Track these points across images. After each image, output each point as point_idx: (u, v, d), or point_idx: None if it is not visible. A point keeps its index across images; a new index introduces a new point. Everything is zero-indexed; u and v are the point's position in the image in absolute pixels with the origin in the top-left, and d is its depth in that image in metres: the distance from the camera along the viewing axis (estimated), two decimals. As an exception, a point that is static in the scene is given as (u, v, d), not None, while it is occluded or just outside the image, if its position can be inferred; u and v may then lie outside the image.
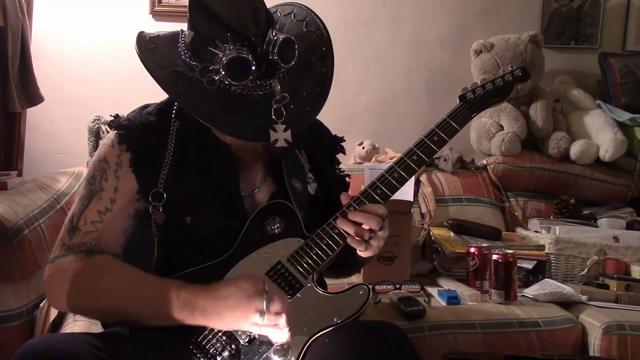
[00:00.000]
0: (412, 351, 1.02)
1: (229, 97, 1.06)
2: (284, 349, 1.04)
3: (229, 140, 1.15)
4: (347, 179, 1.39)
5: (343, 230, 1.11)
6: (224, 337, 1.05)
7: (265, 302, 0.98)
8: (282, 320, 1.00)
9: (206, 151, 1.15)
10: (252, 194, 1.19)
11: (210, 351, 1.05)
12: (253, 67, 1.03)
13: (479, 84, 1.24)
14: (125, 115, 1.19)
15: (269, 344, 1.05)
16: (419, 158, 1.16)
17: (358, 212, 1.11)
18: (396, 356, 0.99)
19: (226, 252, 1.11)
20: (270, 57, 1.06)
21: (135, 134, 1.13)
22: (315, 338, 1.06)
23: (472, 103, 1.21)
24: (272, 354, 1.04)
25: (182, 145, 1.14)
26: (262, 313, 0.98)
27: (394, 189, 1.15)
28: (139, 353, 0.99)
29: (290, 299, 1.08)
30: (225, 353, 1.04)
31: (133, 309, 1.02)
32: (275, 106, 1.04)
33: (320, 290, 1.11)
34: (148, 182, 1.11)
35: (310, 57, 1.14)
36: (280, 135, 1.04)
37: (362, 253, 1.15)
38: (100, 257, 1.07)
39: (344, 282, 1.57)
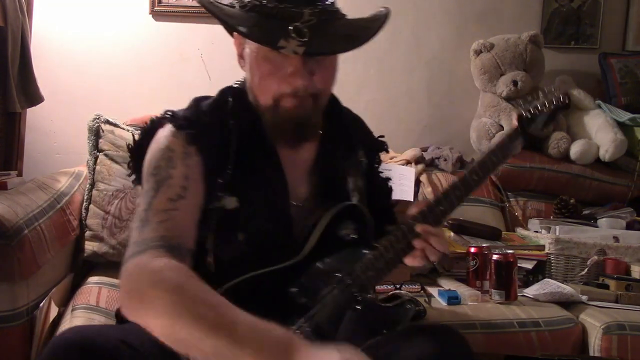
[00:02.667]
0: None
1: (259, 15, 1.01)
2: None
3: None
4: (389, 183, 1.35)
5: (415, 245, 1.08)
6: None
7: None
8: None
9: (257, 155, 1.09)
10: (301, 205, 1.12)
11: None
12: None
13: (538, 109, 1.23)
14: (180, 113, 1.11)
15: None
16: (478, 178, 1.18)
17: (432, 232, 1.09)
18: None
19: (291, 256, 1.05)
20: None
21: (202, 135, 1.05)
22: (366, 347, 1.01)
23: (525, 129, 1.22)
24: None
25: (237, 150, 1.07)
26: None
27: (453, 208, 1.16)
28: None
29: (355, 310, 1.04)
30: None
31: (210, 341, 0.80)
32: (297, 24, 0.98)
33: (379, 303, 1.10)
34: (213, 181, 1.04)
35: (356, 21, 1.10)
36: (291, 47, 0.97)
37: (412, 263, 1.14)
38: (176, 262, 0.89)
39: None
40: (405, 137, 2.52)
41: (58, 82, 2.31)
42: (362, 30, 1.08)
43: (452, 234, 2.02)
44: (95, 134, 1.97)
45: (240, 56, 1.11)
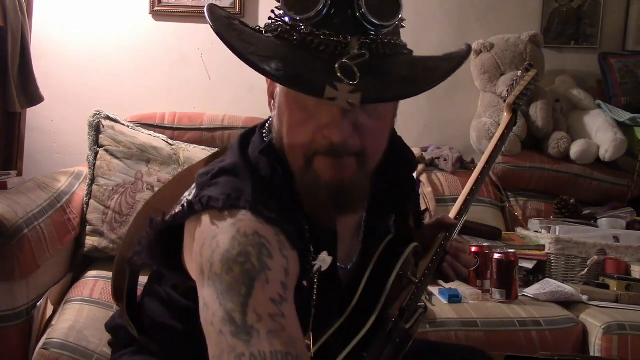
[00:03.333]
0: None
1: (289, 47, 0.77)
2: None
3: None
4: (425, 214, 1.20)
5: (447, 263, 1.07)
6: None
7: None
8: None
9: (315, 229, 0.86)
10: (347, 267, 0.95)
11: None
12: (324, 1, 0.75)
13: (520, 91, 1.24)
14: (244, 194, 0.79)
15: None
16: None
17: (460, 248, 1.11)
18: None
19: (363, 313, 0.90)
20: (356, 6, 0.76)
21: (287, 225, 0.78)
22: None
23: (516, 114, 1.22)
24: None
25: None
26: None
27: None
28: None
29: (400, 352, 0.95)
30: None
31: None
32: (343, 60, 0.72)
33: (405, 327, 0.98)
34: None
35: (421, 60, 0.85)
36: (342, 95, 0.70)
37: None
38: None
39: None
40: (405, 137, 2.49)
41: (58, 82, 2.31)
42: (428, 72, 0.81)
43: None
44: (96, 129, 1.98)
45: (271, 95, 0.87)
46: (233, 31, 0.77)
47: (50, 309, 1.55)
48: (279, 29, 0.78)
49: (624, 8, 2.68)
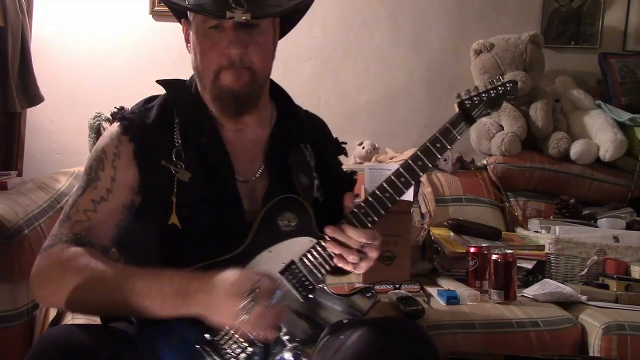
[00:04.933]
0: (433, 349, 1.00)
1: None
2: (296, 349, 1.03)
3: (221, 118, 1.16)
4: (354, 176, 1.36)
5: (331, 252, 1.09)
6: (241, 339, 1.02)
7: (248, 302, 0.95)
8: (264, 322, 0.99)
9: (204, 141, 1.15)
10: (248, 181, 1.17)
11: (227, 352, 1.02)
12: None
13: (476, 93, 1.20)
14: (129, 108, 1.19)
15: (283, 344, 1.04)
16: (423, 164, 1.13)
17: (343, 234, 1.08)
18: (417, 351, 0.97)
19: (236, 247, 1.08)
20: None
21: (140, 126, 1.13)
22: (327, 337, 1.05)
23: (469, 113, 1.18)
24: (285, 353, 1.03)
25: (183, 142, 1.14)
26: (243, 312, 0.95)
27: (393, 201, 1.12)
28: (145, 351, 0.99)
29: (303, 299, 1.09)
30: (242, 355, 1.02)
31: (120, 297, 0.98)
32: None
33: (331, 292, 1.12)
34: (151, 172, 1.10)
35: None
36: (238, 15, 1.04)
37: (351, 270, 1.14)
38: (84, 248, 1.04)
39: (343, 281, 1.59)
40: (405, 137, 2.52)
41: (58, 82, 2.31)
42: None
43: (452, 233, 2.02)
44: (96, 131, 1.98)
45: (187, 41, 1.18)
46: None
47: (53, 310, 1.55)
48: None
49: (624, 8, 2.68)
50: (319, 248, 1.10)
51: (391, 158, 2.31)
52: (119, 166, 1.10)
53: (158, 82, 1.22)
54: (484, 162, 2.40)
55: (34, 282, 1.05)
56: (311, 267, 1.09)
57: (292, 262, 1.09)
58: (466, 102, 1.18)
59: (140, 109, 1.17)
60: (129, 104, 2.44)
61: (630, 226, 2.11)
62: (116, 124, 1.15)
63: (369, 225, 1.10)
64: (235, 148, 1.17)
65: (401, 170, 1.12)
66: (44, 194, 1.72)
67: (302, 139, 1.25)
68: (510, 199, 2.36)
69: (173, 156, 1.11)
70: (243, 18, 1.03)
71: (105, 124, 1.99)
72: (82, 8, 2.37)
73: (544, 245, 1.96)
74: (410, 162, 1.12)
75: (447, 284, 1.80)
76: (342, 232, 1.08)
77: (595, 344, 1.58)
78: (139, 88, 2.37)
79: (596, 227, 2.12)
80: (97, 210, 1.07)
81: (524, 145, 2.39)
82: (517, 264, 1.76)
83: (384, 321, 1.08)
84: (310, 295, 1.09)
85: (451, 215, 2.15)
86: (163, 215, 1.09)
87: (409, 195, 2.04)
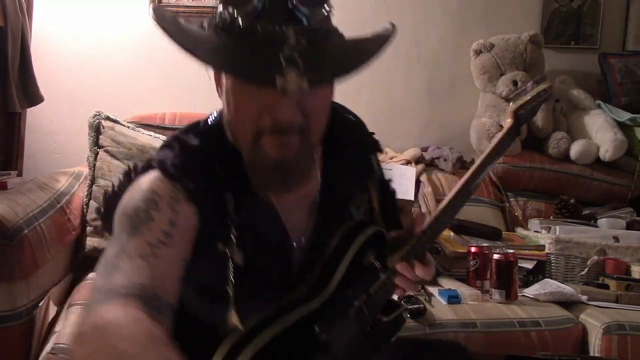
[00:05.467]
0: None
1: (231, 38, 0.83)
2: None
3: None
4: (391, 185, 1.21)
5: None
6: None
7: None
8: None
9: (256, 213, 0.92)
10: (301, 239, 0.98)
11: None
12: None
13: (524, 101, 1.15)
14: (166, 161, 0.90)
15: None
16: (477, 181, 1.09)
17: (414, 273, 1.01)
18: None
19: (312, 292, 0.93)
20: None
21: (193, 183, 0.88)
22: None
23: (521, 122, 1.14)
24: None
25: (233, 199, 0.91)
26: None
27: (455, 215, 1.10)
28: None
29: (363, 333, 0.98)
30: None
31: None
32: (286, 52, 0.78)
33: (382, 318, 1.04)
34: (212, 216, 0.88)
35: (354, 43, 0.91)
36: (292, 82, 0.76)
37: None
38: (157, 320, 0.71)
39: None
40: (405, 137, 2.52)
41: (58, 82, 2.31)
42: (359, 54, 0.88)
43: (452, 233, 2.02)
44: (96, 130, 1.98)
45: (218, 83, 0.92)
46: (179, 30, 0.85)
47: (53, 309, 1.55)
48: (221, 24, 0.83)
49: (624, 8, 2.68)
50: (387, 282, 1.00)
51: (391, 158, 2.31)
52: (180, 210, 0.84)
53: (193, 132, 0.95)
54: (484, 162, 2.40)
55: (81, 348, 0.66)
56: (377, 302, 0.99)
57: (364, 301, 0.97)
58: (520, 111, 1.13)
59: (186, 165, 0.89)
60: (128, 104, 2.46)
61: (630, 226, 2.12)
62: (159, 175, 0.88)
63: (432, 255, 1.06)
64: (287, 211, 0.96)
65: (454, 199, 1.08)
66: (44, 194, 1.71)
67: (362, 163, 1.08)
68: (510, 199, 2.36)
69: (230, 235, 0.89)
70: (299, 87, 0.76)
71: (105, 123, 1.99)
72: (82, 8, 2.36)
73: (544, 245, 1.96)
74: (462, 187, 1.09)
75: (447, 284, 1.80)
76: (413, 271, 1.00)
77: (595, 344, 1.59)
78: (139, 87, 2.40)
79: (596, 227, 2.12)
80: (158, 255, 0.78)
81: (524, 145, 2.39)
82: (518, 264, 1.76)
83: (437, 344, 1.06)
84: (368, 328, 0.99)
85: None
86: (210, 290, 0.91)
87: (409, 195, 2.04)
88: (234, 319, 0.86)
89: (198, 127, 0.96)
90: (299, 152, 0.86)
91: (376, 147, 1.15)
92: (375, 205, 1.06)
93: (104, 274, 0.75)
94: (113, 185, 0.94)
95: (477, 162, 1.11)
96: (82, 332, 0.68)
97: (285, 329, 0.87)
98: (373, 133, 1.17)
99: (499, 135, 1.12)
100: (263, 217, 0.93)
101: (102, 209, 0.94)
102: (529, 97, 1.15)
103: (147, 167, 0.90)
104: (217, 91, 0.93)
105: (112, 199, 0.91)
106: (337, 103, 1.04)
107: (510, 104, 1.16)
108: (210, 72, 0.92)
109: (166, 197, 0.85)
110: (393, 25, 0.94)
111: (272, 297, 0.92)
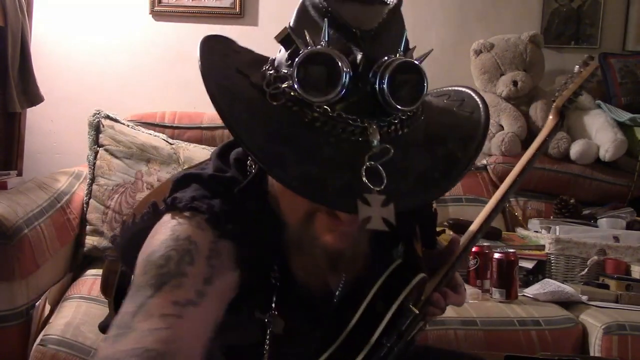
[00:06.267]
0: None
1: (301, 126, 0.67)
2: None
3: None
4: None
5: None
6: None
7: None
8: None
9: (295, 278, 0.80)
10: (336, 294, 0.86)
11: None
12: (344, 79, 0.65)
13: (572, 92, 1.09)
14: (188, 195, 0.76)
15: None
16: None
17: (445, 303, 0.93)
18: None
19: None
20: (375, 85, 0.66)
21: (231, 221, 0.74)
22: None
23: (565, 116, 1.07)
24: None
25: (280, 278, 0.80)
26: None
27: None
28: None
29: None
30: None
31: None
32: (368, 163, 0.63)
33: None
34: (255, 280, 0.76)
35: (447, 133, 0.75)
36: (376, 211, 0.62)
37: None
38: None
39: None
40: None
41: (58, 82, 2.31)
42: (449, 162, 0.72)
43: (451, 234, 2.02)
44: (96, 129, 1.98)
45: None
46: (232, 98, 0.69)
47: (48, 308, 1.55)
48: (287, 98, 0.67)
49: (624, 8, 2.68)
50: (419, 316, 0.89)
51: (391, 158, 2.31)
52: (219, 267, 0.71)
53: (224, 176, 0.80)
54: (484, 162, 2.40)
55: None
56: (407, 336, 0.89)
57: (396, 339, 0.87)
58: (567, 105, 1.07)
59: (233, 211, 0.75)
60: (128, 104, 2.45)
61: (630, 226, 2.11)
62: (197, 216, 0.74)
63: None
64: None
65: (492, 212, 1.00)
66: (43, 194, 1.71)
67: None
68: (510, 199, 2.36)
69: (272, 303, 0.78)
70: (384, 218, 0.61)
71: (104, 122, 1.99)
72: (82, 8, 2.36)
73: (544, 245, 1.95)
74: (502, 196, 1.01)
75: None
76: (444, 302, 0.92)
77: (596, 344, 1.58)
78: (139, 88, 2.40)
79: (596, 227, 2.12)
80: (184, 315, 0.64)
81: (524, 145, 2.38)
82: (518, 264, 1.76)
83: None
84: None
85: (451, 215, 2.15)
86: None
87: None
88: None
89: (231, 167, 0.80)
90: (356, 240, 0.74)
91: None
92: (418, 246, 0.92)
93: (114, 337, 0.61)
94: (134, 215, 0.80)
95: (518, 166, 1.05)
96: None
97: None
98: None
99: (542, 134, 1.05)
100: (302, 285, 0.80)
101: (119, 239, 0.82)
102: (576, 88, 1.09)
103: (186, 206, 0.74)
104: None
105: (133, 231, 0.79)
106: None
107: (556, 97, 1.07)
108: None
109: (205, 249, 0.71)
110: (487, 113, 0.77)
111: (310, 355, 0.82)
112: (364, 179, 0.62)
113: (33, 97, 2.08)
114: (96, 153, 1.96)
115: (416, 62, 0.70)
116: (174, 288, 0.65)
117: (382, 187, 0.62)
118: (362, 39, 0.66)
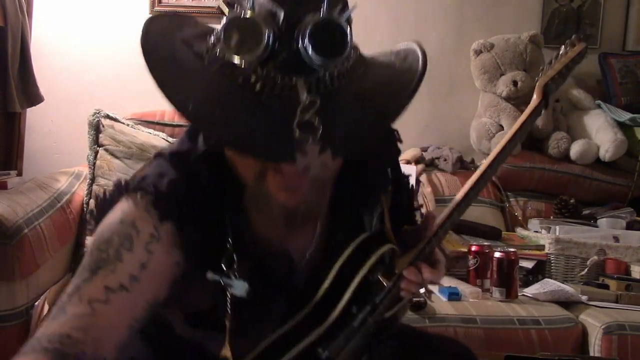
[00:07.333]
0: None
1: (234, 88, 0.71)
2: None
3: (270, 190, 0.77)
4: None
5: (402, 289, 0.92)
6: None
7: None
8: None
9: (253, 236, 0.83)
10: (311, 258, 0.89)
11: None
12: (266, 39, 0.68)
13: (556, 72, 1.07)
14: (145, 173, 0.81)
15: None
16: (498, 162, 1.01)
17: (421, 277, 0.91)
18: None
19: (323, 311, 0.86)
20: (300, 44, 0.69)
21: (184, 211, 0.78)
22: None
23: (549, 95, 1.06)
24: None
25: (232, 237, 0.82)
26: None
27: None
28: None
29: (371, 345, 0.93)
30: None
31: None
32: (301, 115, 0.67)
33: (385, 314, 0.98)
34: (207, 246, 0.79)
35: (382, 86, 0.79)
36: (313, 159, 0.70)
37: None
38: None
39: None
40: (405, 137, 2.49)
41: (58, 82, 2.31)
42: (387, 101, 0.76)
43: (452, 233, 2.02)
44: (96, 128, 1.98)
45: None
46: (171, 67, 0.75)
47: (47, 308, 1.55)
48: (222, 63, 0.72)
49: (624, 8, 2.68)
50: (393, 290, 0.91)
51: (391, 158, 2.31)
52: (157, 252, 0.75)
53: (182, 147, 0.85)
54: (484, 162, 2.40)
55: None
56: (382, 311, 0.91)
57: (369, 314, 0.90)
58: (550, 84, 1.05)
59: (178, 185, 0.79)
60: (128, 104, 2.46)
61: (630, 226, 2.11)
62: (140, 195, 0.78)
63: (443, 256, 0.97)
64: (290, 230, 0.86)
65: (470, 190, 1.01)
66: (43, 194, 1.72)
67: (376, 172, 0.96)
68: (510, 199, 2.36)
69: (223, 264, 0.80)
70: (328, 163, 0.73)
71: (104, 121, 1.99)
72: (82, 8, 2.36)
73: (544, 245, 1.96)
74: (484, 172, 1.03)
75: (448, 283, 1.80)
76: (420, 275, 0.90)
77: (595, 344, 1.58)
78: (139, 88, 2.39)
79: (596, 227, 2.12)
80: (111, 301, 0.70)
81: (524, 145, 2.38)
82: (519, 263, 1.76)
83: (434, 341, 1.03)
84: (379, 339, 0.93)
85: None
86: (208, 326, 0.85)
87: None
88: (227, 352, 0.80)
89: (197, 143, 0.83)
90: (308, 194, 0.77)
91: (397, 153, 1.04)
92: (387, 218, 0.94)
93: (51, 317, 0.69)
94: (105, 191, 0.84)
95: (502, 142, 1.04)
96: None
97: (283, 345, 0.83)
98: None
99: (525, 113, 1.04)
100: (263, 245, 0.84)
101: (95, 213, 0.84)
102: (561, 67, 1.07)
103: (138, 186, 0.79)
104: None
105: (103, 206, 0.82)
106: None
107: (540, 76, 1.05)
108: None
109: (145, 234, 0.75)
110: (424, 53, 0.80)
111: (274, 323, 0.86)
112: (297, 131, 0.66)
113: (33, 97, 2.08)
114: (96, 153, 1.96)
115: (337, 18, 0.71)
116: (108, 273, 0.72)
117: (317, 137, 0.66)
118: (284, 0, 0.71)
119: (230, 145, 0.74)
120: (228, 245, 0.80)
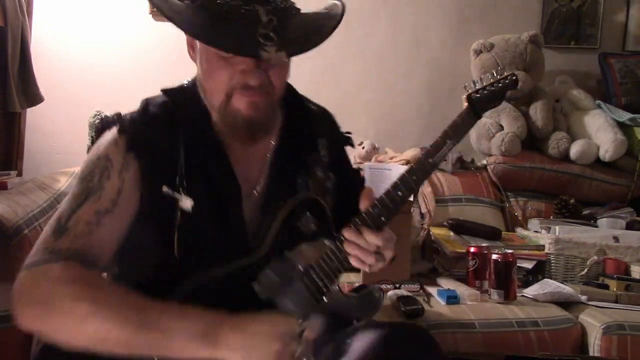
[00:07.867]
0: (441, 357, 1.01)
1: (210, 16, 0.96)
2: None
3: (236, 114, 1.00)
4: (360, 172, 1.32)
5: (347, 252, 1.04)
6: None
7: (300, 347, 0.91)
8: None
9: (209, 163, 1.04)
10: (252, 193, 1.08)
11: None
12: None
13: (482, 86, 1.16)
14: (127, 116, 1.06)
15: None
16: (433, 162, 1.07)
17: (361, 237, 1.03)
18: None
19: (249, 252, 1.02)
20: None
21: (145, 142, 1.01)
22: (337, 338, 1.03)
23: (477, 106, 1.14)
24: None
25: (186, 163, 1.02)
26: (294, 357, 0.90)
27: (405, 200, 1.09)
28: None
29: (318, 303, 1.03)
30: None
31: (136, 332, 0.86)
32: (262, 31, 0.94)
33: (343, 293, 1.09)
34: (152, 199, 0.99)
35: (317, 15, 1.06)
36: (272, 55, 0.94)
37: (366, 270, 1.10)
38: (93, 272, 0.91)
39: (341, 281, 1.58)
40: (405, 137, 2.52)
41: (58, 82, 2.31)
42: (319, 29, 1.03)
43: (452, 233, 2.02)
44: (96, 129, 1.98)
45: (191, 47, 1.06)
46: (167, 4, 0.99)
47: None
48: (201, 1, 0.98)
49: (624, 8, 2.68)
50: (336, 251, 1.04)
51: (391, 158, 2.31)
52: (127, 179, 0.98)
53: (163, 91, 1.10)
54: (484, 162, 2.41)
55: (24, 301, 0.89)
56: (327, 270, 1.04)
57: (311, 266, 1.03)
58: (473, 95, 1.13)
59: (143, 120, 1.04)
60: (128, 104, 2.45)
61: (630, 226, 2.11)
62: (115, 133, 1.02)
63: (384, 225, 1.06)
64: (242, 164, 1.07)
65: (413, 167, 1.07)
66: (43, 194, 1.72)
67: (315, 137, 1.17)
68: (510, 199, 2.36)
69: (176, 180, 1.00)
70: (282, 59, 0.97)
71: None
72: (82, 8, 2.37)
73: (544, 245, 1.96)
74: (422, 158, 1.07)
75: (447, 284, 1.80)
76: (360, 235, 1.03)
77: (595, 344, 1.59)
78: (138, 87, 2.38)
79: (596, 227, 2.12)
80: (102, 222, 0.94)
81: (524, 145, 2.39)
82: (517, 264, 1.76)
83: (390, 326, 1.06)
84: (325, 299, 1.04)
85: (451, 215, 2.15)
86: (161, 240, 1.00)
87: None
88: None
89: (172, 88, 1.10)
90: (265, 109, 1.01)
91: (344, 141, 1.27)
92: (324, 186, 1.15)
93: (55, 234, 0.92)
94: (92, 137, 1.07)
95: (436, 138, 1.09)
96: (40, 283, 0.88)
97: (218, 278, 0.98)
98: (349, 132, 1.28)
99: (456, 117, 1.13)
100: (214, 166, 1.04)
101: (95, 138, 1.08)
102: (485, 83, 1.16)
103: (111, 120, 1.05)
104: (189, 53, 1.08)
105: (99, 134, 1.06)
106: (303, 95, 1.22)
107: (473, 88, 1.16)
108: (183, 39, 1.05)
109: (118, 165, 0.98)
110: (343, 5, 1.07)
111: (221, 249, 1.02)
112: (260, 39, 0.93)
113: (33, 97, 2.09)
114: (96, 153, 1.96)
115: None
116: (96, 199, 0.95)
117: (274, 42, 0.94)
118: None
119: (211, 43, 0.97)
120: (180, 165, 1.01)
